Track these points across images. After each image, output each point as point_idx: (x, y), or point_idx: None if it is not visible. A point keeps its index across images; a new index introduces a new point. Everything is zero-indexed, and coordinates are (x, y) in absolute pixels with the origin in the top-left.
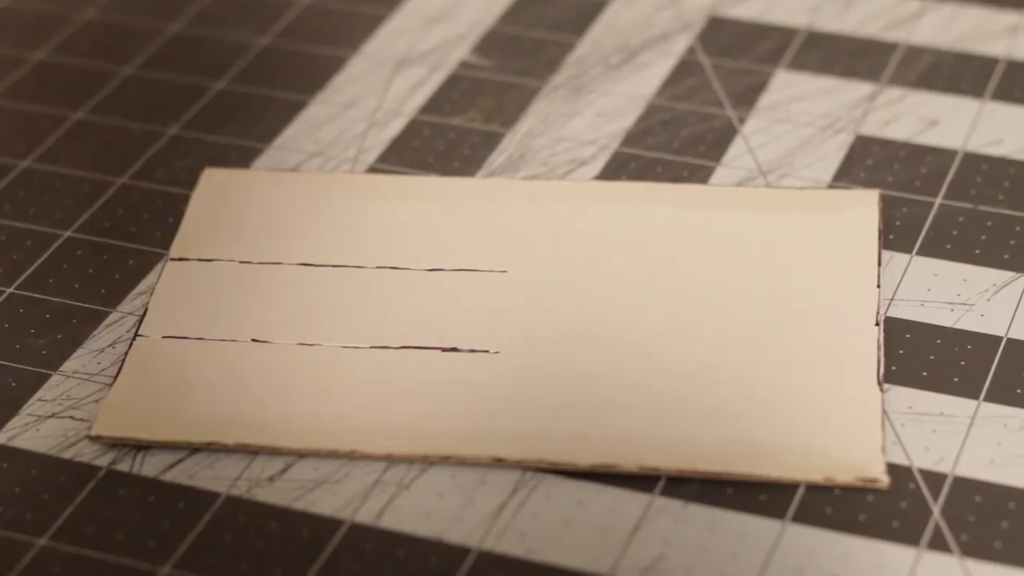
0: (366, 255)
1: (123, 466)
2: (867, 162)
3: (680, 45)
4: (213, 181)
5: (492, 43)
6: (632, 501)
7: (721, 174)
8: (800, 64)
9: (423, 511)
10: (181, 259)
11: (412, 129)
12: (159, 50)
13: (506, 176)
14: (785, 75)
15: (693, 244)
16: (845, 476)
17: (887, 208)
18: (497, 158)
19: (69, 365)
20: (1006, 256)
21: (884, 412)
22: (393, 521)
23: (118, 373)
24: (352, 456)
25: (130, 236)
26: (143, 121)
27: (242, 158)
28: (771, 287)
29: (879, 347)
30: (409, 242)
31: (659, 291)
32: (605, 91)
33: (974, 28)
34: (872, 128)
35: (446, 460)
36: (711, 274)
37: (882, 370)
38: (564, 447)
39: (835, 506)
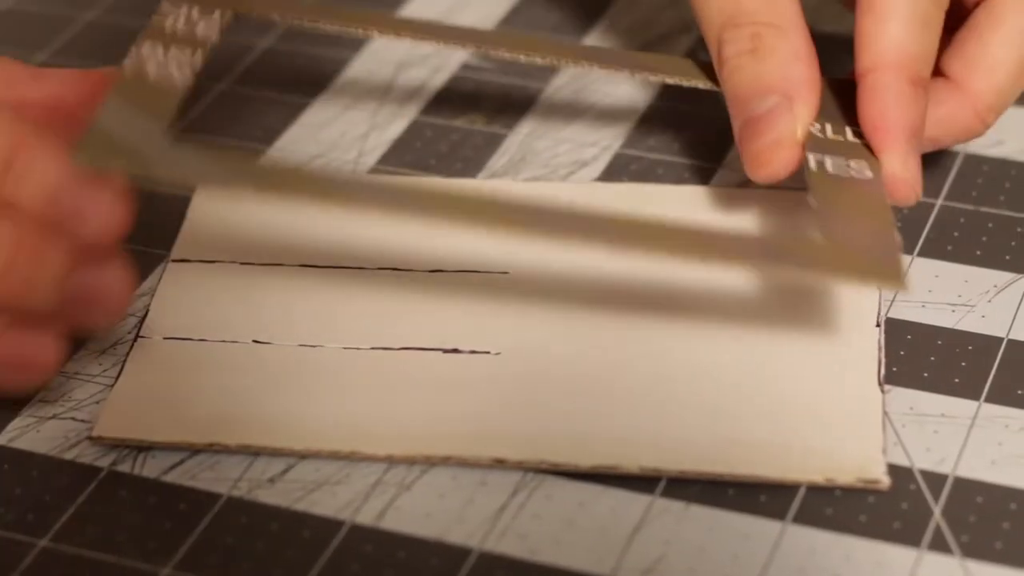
0: (367, 256)
1: (124, 467)
2: None
3: (682, 46)
4: None
5: None
6: (633, 502)
7: (723, 176)
8: None
9: (424, 512)
10: (182, 260)
11: (414, 130)
12: None
13: (508, 178)
14: None
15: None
16: (846, 477)
17: None
18: (499, 160)
19: (70, 366)
20: (1007, 257)
21: (885, 413)
22: (394, 522)
23: (119, 374)
24: (353, 457)
25: (131, 237)
26: None
27: None
28: (772, 287)
29: (880, 348)
30: (410, 243)
31: (659, 292)
32: (606, 92)
33: None
34: None
35: (447, 461)
36: (712, 275)
37: (883, 371)
38: (565, 448)
39: (836, 507)
